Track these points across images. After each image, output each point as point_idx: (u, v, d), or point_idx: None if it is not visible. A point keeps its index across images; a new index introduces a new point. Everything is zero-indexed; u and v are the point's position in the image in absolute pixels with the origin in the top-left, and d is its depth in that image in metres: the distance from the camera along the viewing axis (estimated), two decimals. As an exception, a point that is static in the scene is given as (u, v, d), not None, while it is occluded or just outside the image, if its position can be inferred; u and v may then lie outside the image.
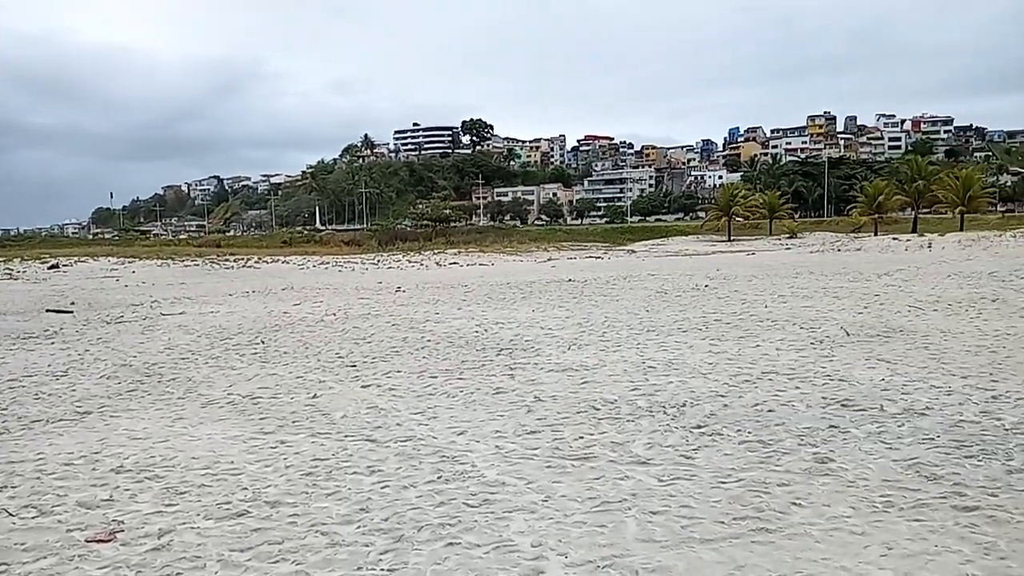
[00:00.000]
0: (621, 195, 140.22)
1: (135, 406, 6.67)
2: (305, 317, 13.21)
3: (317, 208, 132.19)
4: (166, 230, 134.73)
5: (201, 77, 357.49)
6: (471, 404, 6.41)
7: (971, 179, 46.77)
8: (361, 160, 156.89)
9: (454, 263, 31.95)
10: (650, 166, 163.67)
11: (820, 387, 6.63)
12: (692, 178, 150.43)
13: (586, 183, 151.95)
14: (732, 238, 56.27)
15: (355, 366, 8.40)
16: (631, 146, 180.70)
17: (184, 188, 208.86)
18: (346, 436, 5.50)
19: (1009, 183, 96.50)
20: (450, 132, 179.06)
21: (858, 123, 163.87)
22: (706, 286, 17.07)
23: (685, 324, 10.99)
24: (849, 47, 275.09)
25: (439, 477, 4.50)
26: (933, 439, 4.95)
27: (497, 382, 7.28)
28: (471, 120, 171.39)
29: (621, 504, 3.96)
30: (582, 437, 5.28)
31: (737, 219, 60.63)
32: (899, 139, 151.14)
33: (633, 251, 42.93)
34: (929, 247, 31.20)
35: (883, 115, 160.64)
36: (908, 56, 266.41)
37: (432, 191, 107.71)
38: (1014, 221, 51.75)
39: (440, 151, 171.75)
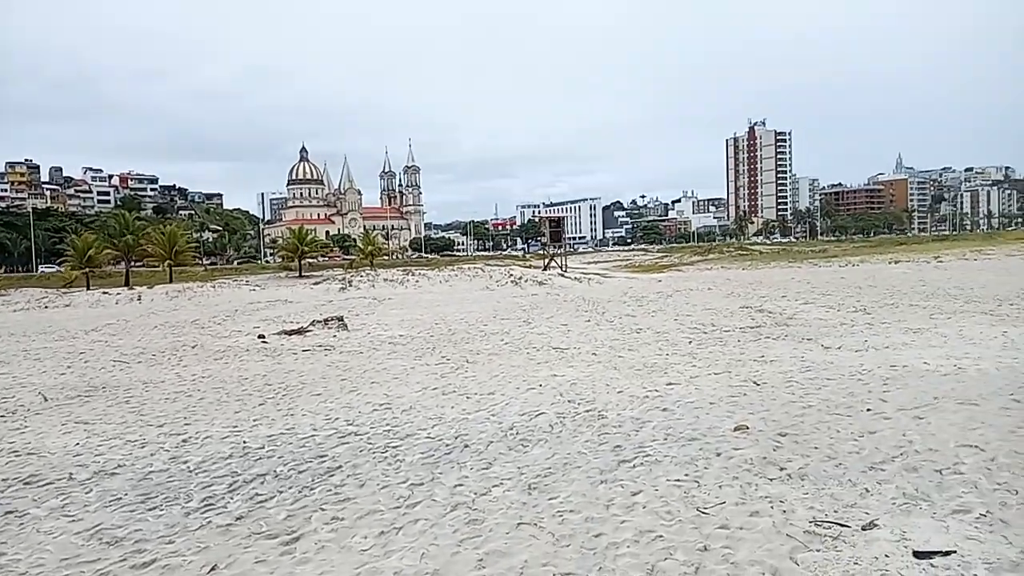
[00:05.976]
0: None
1: None
2: None
3: None
4: None
5: None
6: None
7: (176, 235, 50.17)
8: None
9: None
10: None
11: (2, 467, 5.77)
12: None
13: None
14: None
15: None
16: None
17: None
18: None
19: (211, 239, 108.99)
20: None
21: (64, 175, 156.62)
22: None
23: None
24: (50, 96, 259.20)
25: None
26: (120, 498, 4.89)
27: None
28: None
29: None
30: None
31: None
32: (108, 193, 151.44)
33: None
34: (139, 299, 31.97)
35: (91, 169, 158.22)
36: (113, 114, 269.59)
37: None
38: (217, 273, 58.27)
39: None
